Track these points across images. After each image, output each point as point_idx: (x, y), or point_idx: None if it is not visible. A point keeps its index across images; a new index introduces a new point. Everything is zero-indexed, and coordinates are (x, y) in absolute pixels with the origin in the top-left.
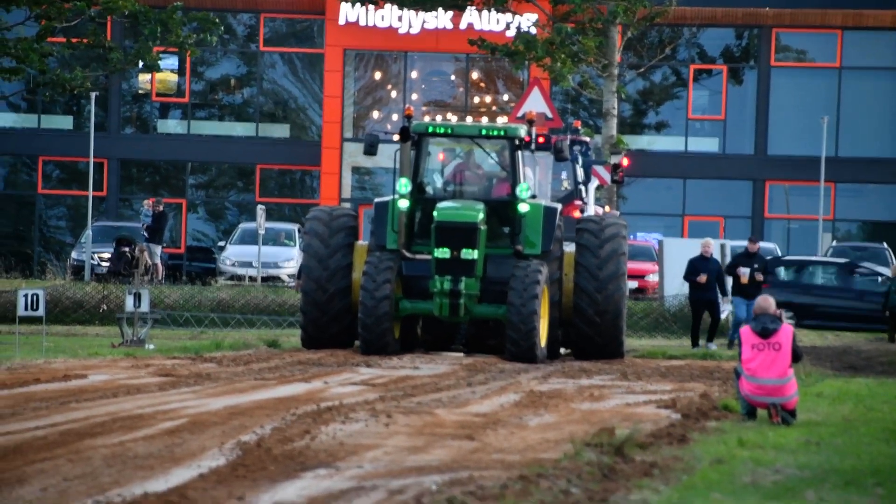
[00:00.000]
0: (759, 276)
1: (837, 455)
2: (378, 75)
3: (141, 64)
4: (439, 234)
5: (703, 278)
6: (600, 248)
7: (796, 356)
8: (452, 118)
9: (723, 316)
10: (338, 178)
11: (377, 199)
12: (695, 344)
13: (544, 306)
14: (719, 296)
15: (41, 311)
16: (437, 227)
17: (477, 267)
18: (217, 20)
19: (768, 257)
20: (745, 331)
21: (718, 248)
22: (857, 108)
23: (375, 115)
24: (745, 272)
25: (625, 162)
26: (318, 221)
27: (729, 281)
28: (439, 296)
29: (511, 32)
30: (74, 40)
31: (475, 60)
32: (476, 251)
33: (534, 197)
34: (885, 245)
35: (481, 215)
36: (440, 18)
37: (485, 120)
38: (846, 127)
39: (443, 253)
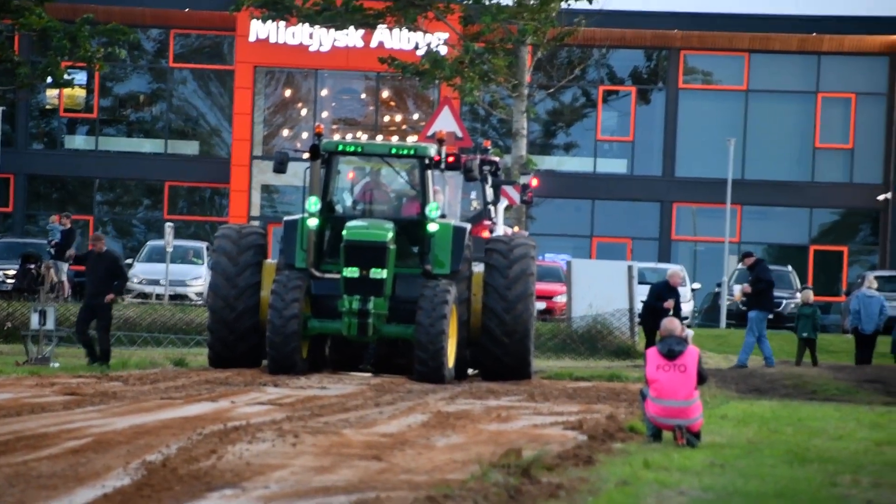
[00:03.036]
0: (748, 289)
1: (742, 477)
2: (288, 93)
3: (49, 79)
4: (348, 253)
5: (670, 304)
6: (509, 269)
7: (702, 378)
8: (363, 136)
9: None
10: (247, 195)
11: (286, 218)
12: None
13: (453, 326)
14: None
15: None
16: (347, 247)
17: (386, 286)
18: (127, 28)
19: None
20: (651, 352)
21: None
22: (764, 130)
23: (285, 132)
24: (736, 289)
25: (534, 182)
26: (227, 239)
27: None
28: (348, 315)
29: (421, 51)
30: None
31: (385, 79)
32: (385, 270)
33: (443, 216)
34: (790, 268)
35: (390, 234)
36: (351, 36)
37: (395, 139)
38: (753, 149)
39: (352, 272)
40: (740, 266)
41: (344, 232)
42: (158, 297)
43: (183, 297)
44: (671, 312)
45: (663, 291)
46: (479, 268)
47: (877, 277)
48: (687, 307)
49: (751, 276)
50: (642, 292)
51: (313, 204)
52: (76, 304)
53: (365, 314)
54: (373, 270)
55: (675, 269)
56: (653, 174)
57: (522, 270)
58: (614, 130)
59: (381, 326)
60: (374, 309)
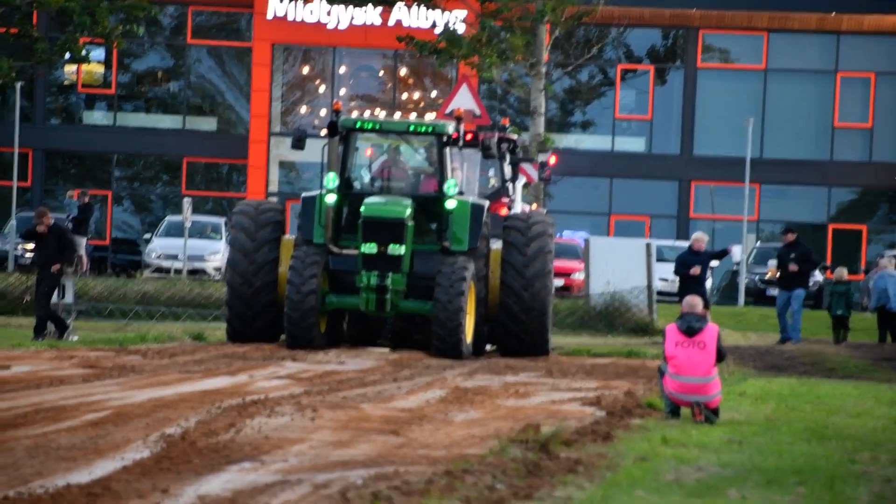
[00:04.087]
0: (793, 267)
1: (759, 454)
2: (306, 70)
3: (68, 55)
4: (366, 228)
5: (696, 270)
6: (527, 246)
7: (720, 355)
8: (381, 114)
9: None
10: (265, 172)
11: (304, 194)
12: None
13: (470, 303)
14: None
15: None
16: (365, 222)
17: (404, 262)
18: (146, 4)
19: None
20: (671, 329)
21: (648, 248)
22: (783, 109)
23: (303, 109)
24: (771, 264)
25: (552, 160)
26: (245, 216)
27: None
28: (366, 291)
29: (439, 30)
30: (0, 30)
31: (403, 56)
32: (403, 246)
33: (461, 194)
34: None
35: (409, 211)
36: (369, 14)
37: (413, 116)
38: (771, 128)
39: (370, 248)
40: (758, 245)
41: (362, 208)
42: (177, 271)
43: (201, 271)
44: (712, 270)
45: (687, 258)
46: (496, 245)
47: (894, 256)
48: (737, 251)
49: (793, 254)
50: (660, 270)
51: (331, 180)
52: (95, 279)
53: (383, 290)
54: (391, 246)
55: (698, 234)
56: (671, 152)
57: (540, 248)
58: (632, 109)
59: (399, 302)
60: (392, 285)
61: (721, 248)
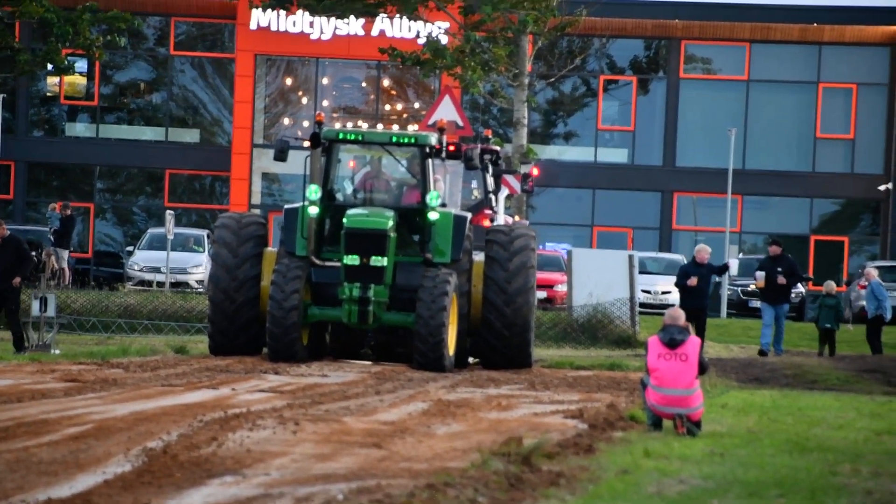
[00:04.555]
0: (782, 280)
1: (741, 466)
2: (289, 81)
3: (50, 66)
4: (349, 240)
5: (693, 281)
6: (509, 262)
7: (702, 368)
8: (363, 125)
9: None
10: (248, 183)
11: (287, 206)
12: None
13: (453, 314)
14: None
15: None
16: (347, 234)
17: (386, 274)
18: (129, 15)
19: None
20: (653, 341)
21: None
22: (765, 120)
23: (286, 121)
24: (760, 276)
25: (535, 171)
26: (227, 230)
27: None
28: (348, 303)
29: (422, 40)
30: None
31: (386, 68)
32: (385, 258)
33: (444, 205)
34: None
35: (391, 222)
36: (352, 25)
37: (395, 127)
38: (753, 139)
39: (352, 260)
40: (740, 256)
41: (344, 220)
42: (159, 284)
43: (183, 284)
44: (719, 277)
45: (690, 270)
46: (479, 257)
47: (877, 268)
48: (734, 265)
49: (779, 267)
50: (642, 282)
51: (314, 192)
52: (77, 292)
53: (365, 301)
54: (373, 258)
55: (701, 246)
56: (653, 164)
57: (523, 263)
58: (615, 120)
59: (382, 314)
60: (374, 296)
61: (718, 263)
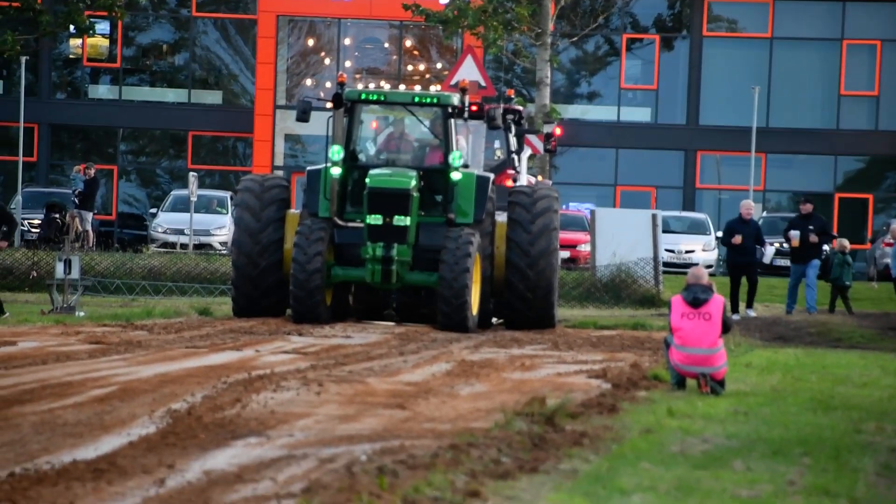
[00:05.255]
0: (814, 238)
1: (765, 425)
2: (311, 42)
3: (72, 28)
4: (372, 200)
5: (737, 239)
6: (532, 224)
7: (726, 327)
8: (386, 86)
9: (766, 260)
10: (270, 145)
11: (309, 167)
12: (734, 310)
13: (476, 274)
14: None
15: None
16: (370, 194)
17: (409, 234)
18: None
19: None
20: (676, 300)
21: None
22: (789, 78)
23: (308, 81)
24: (795, 235)
25: (557, 131)
26: (250, 193)
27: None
28: (371, 262)
29: (446, 0)
30: (3, 3)
31: (409, 28)
32: (408, 218)
33: (466, 166)
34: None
35: (413, 182)
36: None
37: (418, 88)
38: (777, 97)
39: (375, 219)
40: (765, 215)
41: (367, 180)
42: (183, 246)
43: (207, 246)
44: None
45: (735, 226)
46: (501, 217)
47: None
48: (769, 252)
49: (811, 225)
50: (666, 241)
51: (336, 153)
52: (101, 254)
53: (388, 261)
54: (396, 218)
55: (746, 201)
56: (677, 122)
57: (545, 225)
58: (638, 79)
59: (405, 274)
60: (397, 256)
61: (728, 219)
